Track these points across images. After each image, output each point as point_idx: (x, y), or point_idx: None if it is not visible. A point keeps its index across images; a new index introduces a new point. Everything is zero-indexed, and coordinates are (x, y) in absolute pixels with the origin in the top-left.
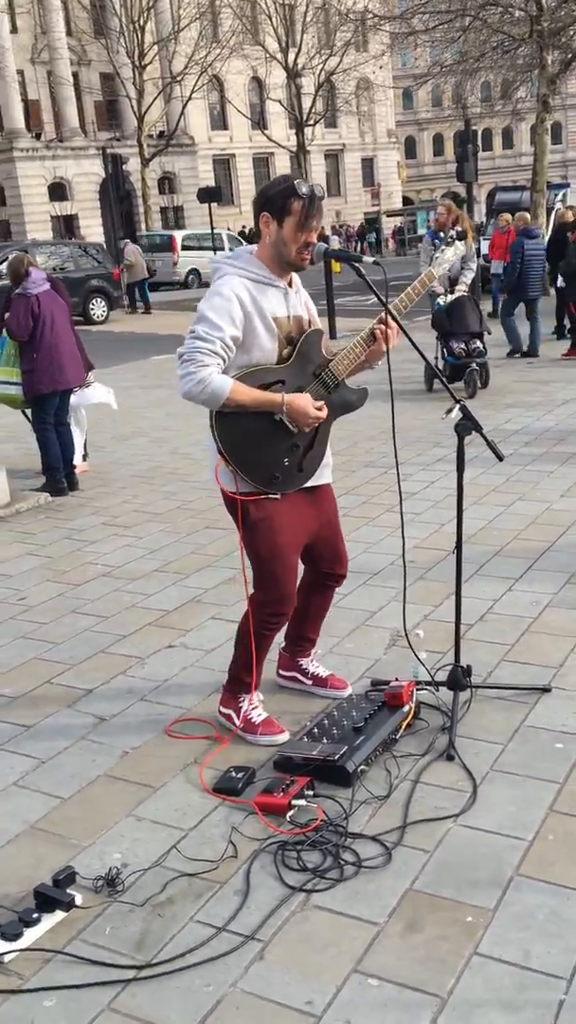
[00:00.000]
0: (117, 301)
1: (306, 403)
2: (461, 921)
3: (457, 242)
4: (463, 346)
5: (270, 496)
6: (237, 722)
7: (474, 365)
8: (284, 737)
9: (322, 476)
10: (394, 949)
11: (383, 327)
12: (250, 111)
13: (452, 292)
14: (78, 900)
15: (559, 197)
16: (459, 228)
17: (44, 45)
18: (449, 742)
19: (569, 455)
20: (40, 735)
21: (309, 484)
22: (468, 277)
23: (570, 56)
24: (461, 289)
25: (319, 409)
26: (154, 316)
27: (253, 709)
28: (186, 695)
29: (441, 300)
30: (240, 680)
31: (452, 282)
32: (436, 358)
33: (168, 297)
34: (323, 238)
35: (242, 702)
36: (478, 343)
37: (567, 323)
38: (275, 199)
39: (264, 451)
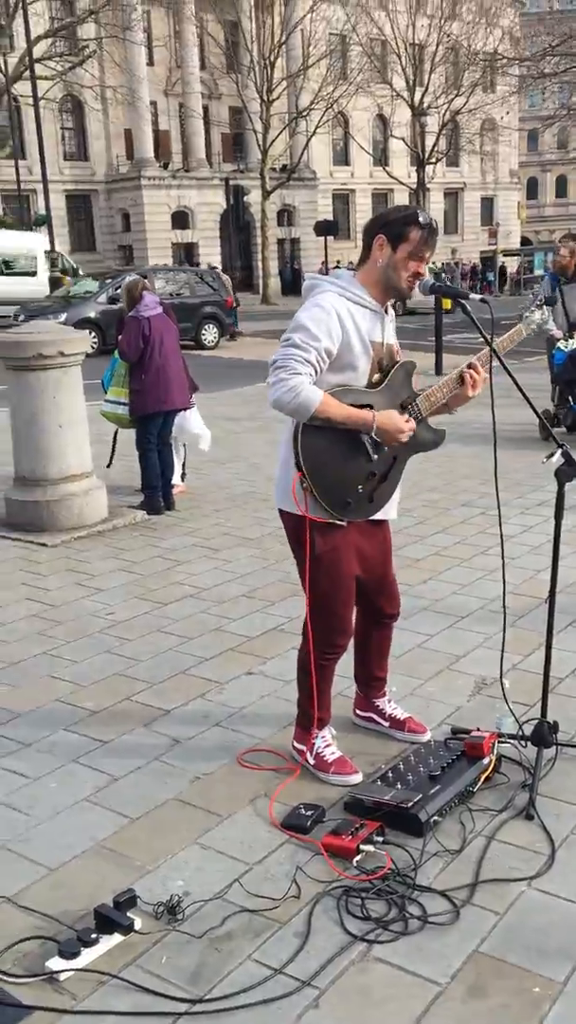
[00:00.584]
0: (229, 328)
1: (397, 419)
2: (527, 991)
3: (545, 307)
4: None
5: (336, 523)
6: (310, 759)
7: None
8: (357, 778)
9: (389, 511)
10: (455, 1013)
11: (472, 372)
12: (373, 147)
13: (573, 336)
14: (137, 924)
15: None
16: (541, 298)
17: (178, 78)
18: (529, 800)
19: None
20: (115, 752)
21: (375, 517)
22: None
23: None
24: None
25: (409, 424)
26: (256, 344)
27: (326, 747)
28: (261, 725)
29: (562, 345)
30: (307, 713)
31: (572, 326)
32: (555, 404)
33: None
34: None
35: (315, 738)
36: None
37: None
38: (394, 224)
39: (342, 473)
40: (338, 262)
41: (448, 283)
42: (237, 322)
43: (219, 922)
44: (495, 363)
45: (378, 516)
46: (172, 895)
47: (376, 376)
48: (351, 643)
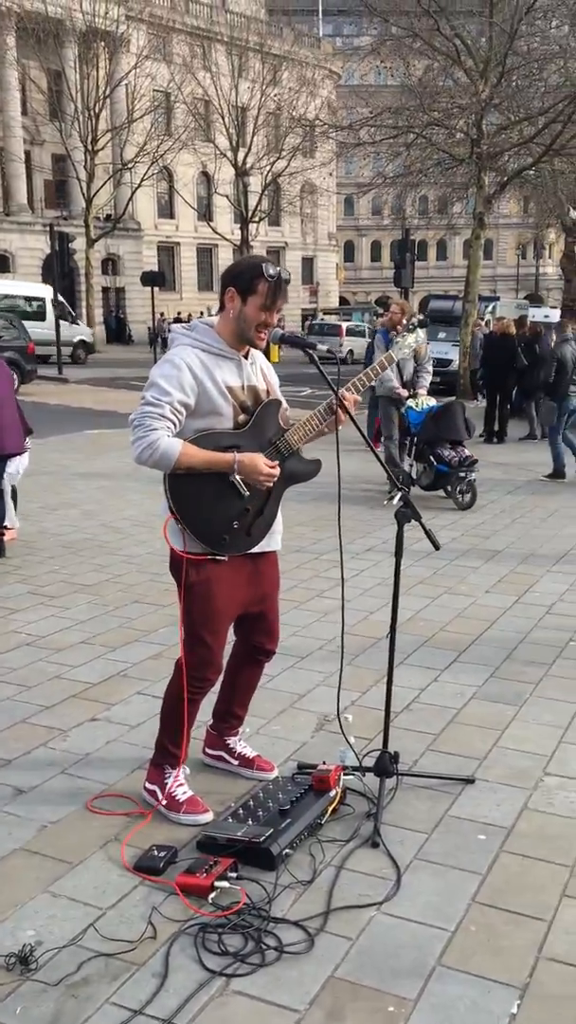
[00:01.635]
0: (30, 375)
1: (257, 461)
2: (383, 1010)
3: (418, 330)
4: (454, 454)
5: (216, 557)
6: (161, 798)
7: (473, 476)
8: (208, 817)
9: (270, 543)
10: None
11: (344, 397)
12: (197, 203)
13: (414, 396)
14: None
15: (489, 309)
16: (415, 319)
17: None
18: (374, 829)
19: (494, 552)
20: None
21: (256, 550)
22: (427, 380)
23: (504, 179)
24: (421, 394)
25: (271, 468)
26: (84, 390)
27: (178, 786)
28: (108, 770)
29: (412, 404)
30: (166, 750)
31: (405, 384)
32: (411, 464)
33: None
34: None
35: (167, 777)
36: (467, 451)
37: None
38: (243, 276)
39: (214, 512)
40: (202, 312)
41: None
42: (36, 368)
43: (75, 968)
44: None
45: (258, 549)
46: (24, 945)
47: (242, 417)
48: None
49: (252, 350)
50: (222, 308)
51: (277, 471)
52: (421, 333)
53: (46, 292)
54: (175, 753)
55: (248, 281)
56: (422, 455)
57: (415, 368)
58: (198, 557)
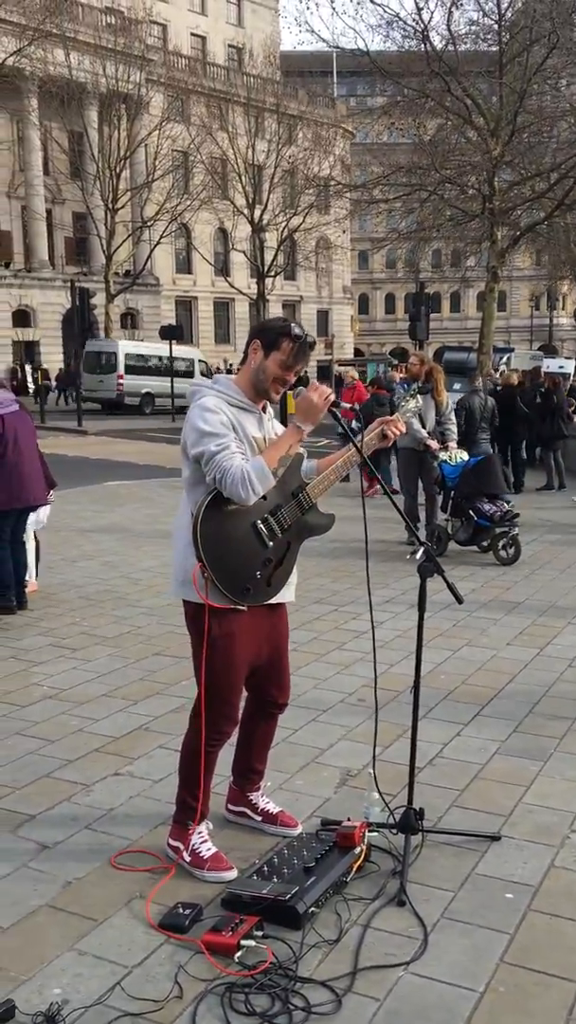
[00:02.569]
0: None
1: (310, 396)
2: None
3: (419, 395)
4: (495, 508)
5: (237, 608)
6: (185, 856)
7: (515, 531)
8: (232, 874)
9: (286, 594)
10: None
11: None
12: (214, 259)
13: (446, 449)
14: None
15: (503, 360)
16: (416, 386)
17: (21, 181)
18: (400, 887)
19: (514, 604)
20: None
21: (273, 600)
22: (454, 431)
23: (517, 233)
24: (452, 446)
25: (320, 391)
26: (104, 442)
27: (203, 843)
28: (132, 825)
29: (445, 457)
30: (187, 805)
31: (428, 434)
32: (447, 519)
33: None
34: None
35: (191, 833)
36: (506, 505)
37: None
38: (269, 331)
39: (240, 561)
40: (218, 366)
41: None
42: None
43: None
44: (362, 462)
45: (275, 600)
46: (51, 1003)
47: None
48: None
49: (268, 406)
50: (244, 360)
51: (327, 391)
52: (421, 400)
53: (195, 354)
54: (196, 808)
55: (274, 337)
56: (459, 509)
57: (438, 420)
58: (222, 607)
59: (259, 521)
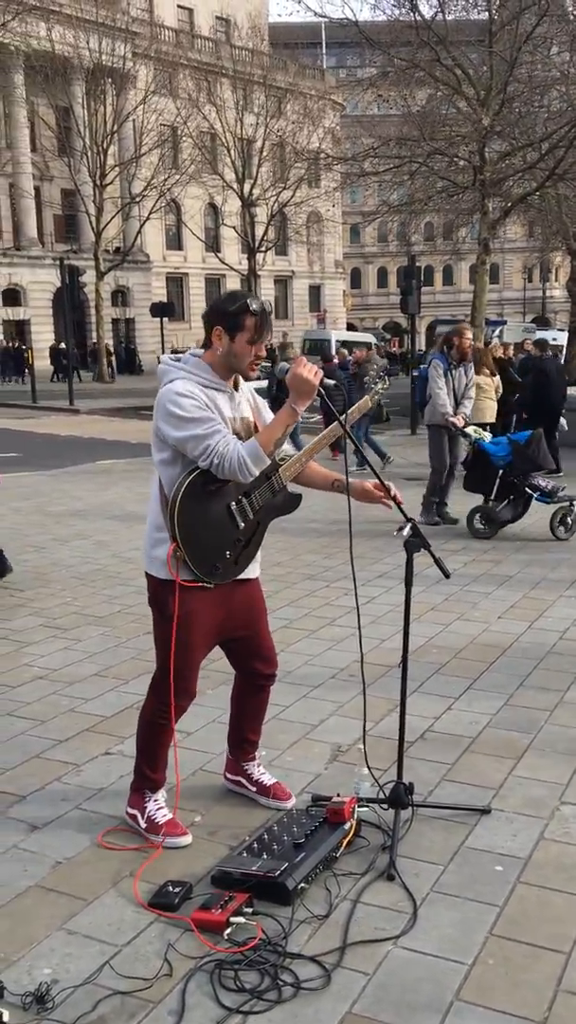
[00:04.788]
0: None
1: (300, 372)
2: None
3: (388, 377)
4: (547, 483)
5: (204, 586)
6: (141, 822)
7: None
8: (187, 839)
9: (251, 570)
10: None
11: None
12: (205, 234)
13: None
14: (5, 1016)
15: (496, 332)
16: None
17: (8, 159)
18: (390, 862)
19: (506, 578)
20: None
21: (240, 577)
22: (468, 409)
23: (508, 204)
24: (459, 421)
25: (308, 368)
26: (97, 421)
27: (158, 809)
28: (122, 804)
29: (483, 436)
30: (144, 775)
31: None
32: (492, 502)
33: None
34: (276, 358)
35: (147, 801)
36: (555, 481)
37: None
38: (228, 315)
39: (213, 541)
40: (173, 348)
41: None
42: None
43: (91, 1007)
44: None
45: (242, 576)
46: (40, 983)
47: None
48: (227, 705)
49: (241, 383)
50: (207, 344)
51: (316, 368)
52: (388, 381)
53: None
54: (153, 778)
55: (235, 319)
56: (511, 489)
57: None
58: (189, 583)
59: (234, 502)
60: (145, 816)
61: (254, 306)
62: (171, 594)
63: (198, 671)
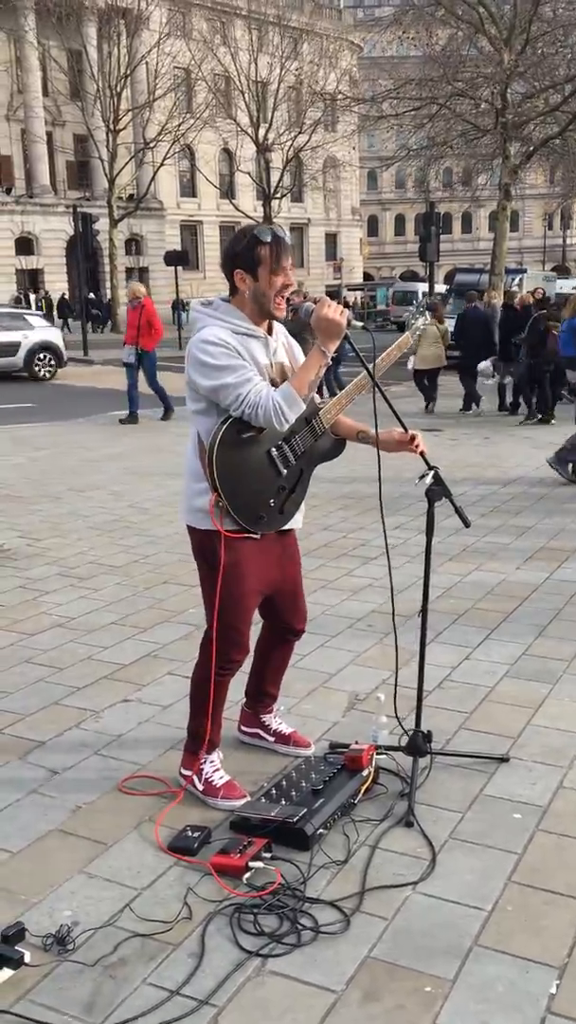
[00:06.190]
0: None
1: (325, 312)
2: (420, 991)
3: (427, 311)
4: None
5: (250, 536)
6: (199, 785)
7: None
8: (244, 802)
9: (296, 521)
10: (351, 1018)
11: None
12: (219, 181)
13: None
14: (27, 958)
15: (516, 281)
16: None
17: (20, 103)
18: (408, 808)
19: (525, 529)
20: None
21: (284, 527)
22: None
23: (530, 149)
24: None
25: (335, 310)
26: (111, 372)
27: (215, 771)
28: (141, 750)
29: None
30: (198, 735)
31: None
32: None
33: None
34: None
35: (203, 763)
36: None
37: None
38: (243, 254)
39: (256, 489)
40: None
41: None
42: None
43: (111, 949)
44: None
45: (286, 526)
46: (61, 925)
47: None
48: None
49: (275, 326)
50: (233, 292)
51: (342, 309)
52: (429, 316)
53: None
54: (206, 736)
55: (250, 255)
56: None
57: None
58: (234, 535)
59: (273, 448)
60: (203, 779)
61: (265, 236)
62: (218, 542)
63: (250, 624)
